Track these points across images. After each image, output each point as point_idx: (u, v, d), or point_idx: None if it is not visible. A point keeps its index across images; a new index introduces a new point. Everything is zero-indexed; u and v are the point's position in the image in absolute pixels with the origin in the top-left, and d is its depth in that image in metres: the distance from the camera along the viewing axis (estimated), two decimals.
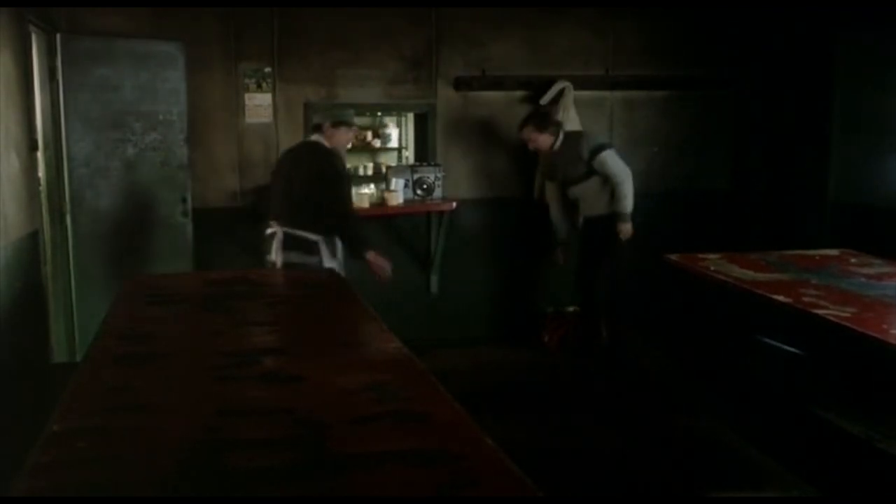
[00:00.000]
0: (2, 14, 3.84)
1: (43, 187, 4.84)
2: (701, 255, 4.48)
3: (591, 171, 5.23)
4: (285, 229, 4.33)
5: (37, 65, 4.69)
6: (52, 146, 4.91)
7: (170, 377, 2.23)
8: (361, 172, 7.99)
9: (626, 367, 5.36)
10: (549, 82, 5.79)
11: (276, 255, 4.34)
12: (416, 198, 5.74)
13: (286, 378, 2.18)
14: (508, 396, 4.87)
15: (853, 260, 4.38)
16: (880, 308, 3.36)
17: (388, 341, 2.57)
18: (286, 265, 4.29)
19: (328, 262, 4.29)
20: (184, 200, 5.38)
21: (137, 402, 2.01)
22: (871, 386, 3.42)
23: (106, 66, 5.04)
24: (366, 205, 5.58)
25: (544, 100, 5.77)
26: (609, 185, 5.21)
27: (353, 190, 5.89)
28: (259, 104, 5.61)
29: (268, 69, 5.59)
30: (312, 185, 4.30)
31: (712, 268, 4.19)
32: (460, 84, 5.86)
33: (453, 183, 5.91)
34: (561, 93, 5.76)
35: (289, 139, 5.41)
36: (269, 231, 4.42)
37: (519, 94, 5.95)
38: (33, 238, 4.31)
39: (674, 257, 4.51)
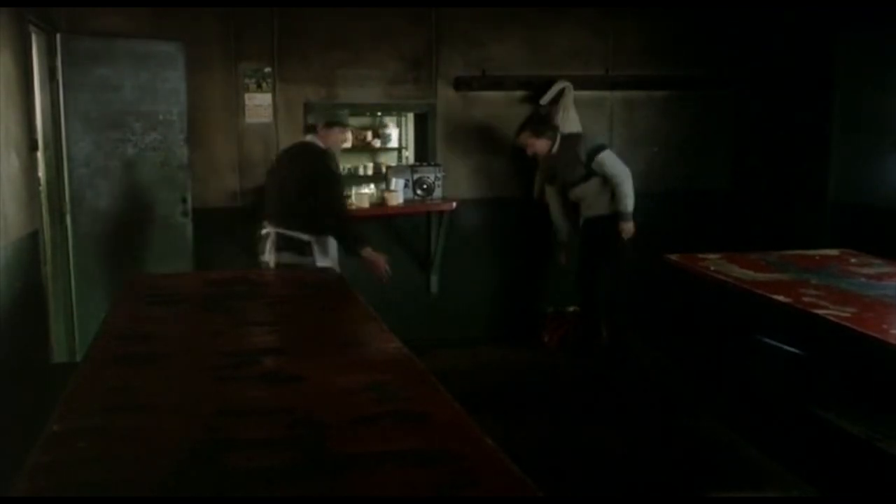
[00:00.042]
0: (2, 14, 3.84)
1: (43, 187, 4.84)
2: (701, 256, 4.48)
3: (590, 173, 5.24)
4: (278, 230, 4.34)
5: (37, 65, 4.69)
6: (52, 146, 4.91)
7: (170, 377, 2.23)
8: (361, 172, 7.99)
9: (626, 367, 5.35)
10: (549, 82, 5.79)
11: (269, 256, 4.34)
12: (416, 198, 5.74)
13: (286, 378, 2.18)
14: (508, 396, 4.87)
15: (853, 260, 4.38)
16: (880, 308, 3.36)
17: (388, 341, 2.57)
18: (279, 266, 4.30)
19: (321, 262, 4.29)
20: (184, 200, 5.38)
21: (137, 402, 2.01)
22: (871, 386, 3.42)
23: (106, 66, 5.04)
24: (366, 205, 5.59)
25: (544, 100, 5.77)
26: (609, 185, 5.22)
27: (354, 190, 5.93)
28: (259, 104, 5.61)
29: (268, 69, 5.59)
30: (305, 185, 4.30)
31: (712, 268, 4.19)
32: (460, 84, 5.86)
33: (453, 183, 5.91)
34: (561, 93, 5.76)
35: (289, 139, 5.39)
36: (262, 231, 4.43)
37: (519, 94, 5.94)
38: (33, 238, 4.31)
39: (674, 257, 4.51)
